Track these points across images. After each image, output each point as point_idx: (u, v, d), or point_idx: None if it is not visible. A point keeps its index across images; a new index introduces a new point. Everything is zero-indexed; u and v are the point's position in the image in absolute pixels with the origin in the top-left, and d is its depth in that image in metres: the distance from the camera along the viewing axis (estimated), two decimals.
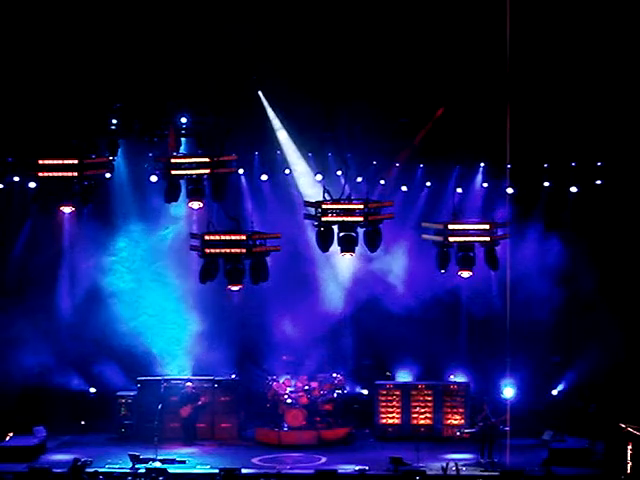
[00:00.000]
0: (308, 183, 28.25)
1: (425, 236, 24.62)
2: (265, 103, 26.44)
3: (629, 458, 23.10)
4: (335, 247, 23.78)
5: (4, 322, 27.56)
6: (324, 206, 23.51)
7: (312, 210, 23.77)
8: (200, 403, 27.78)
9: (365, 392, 29.12)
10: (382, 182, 27.67)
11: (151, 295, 29.13)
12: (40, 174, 23.90)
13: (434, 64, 24.22)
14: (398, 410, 27.96)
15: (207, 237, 23.47)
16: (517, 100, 23.72)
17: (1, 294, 28.02)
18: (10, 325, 27.62)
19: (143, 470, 22.97)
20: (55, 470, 22.50)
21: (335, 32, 23.78)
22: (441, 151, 26.84)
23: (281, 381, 28.10)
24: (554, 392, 28.37)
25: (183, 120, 26.02)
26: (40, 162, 23.79)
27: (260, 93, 26.26)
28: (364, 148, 26.66)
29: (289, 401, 27.63)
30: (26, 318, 27.58)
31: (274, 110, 26.76)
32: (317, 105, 25.08)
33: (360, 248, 24.02)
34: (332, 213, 23.46)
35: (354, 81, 24.46)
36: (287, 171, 28.63)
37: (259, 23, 23.61)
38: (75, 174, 23.75)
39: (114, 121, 25.42)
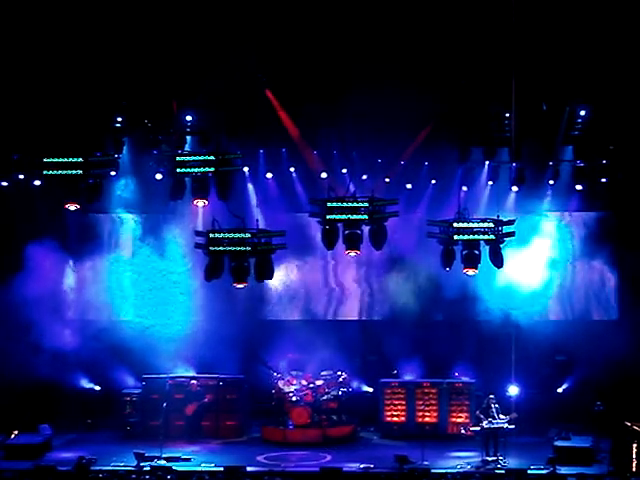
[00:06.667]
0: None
1: (430, 234, 24.57)
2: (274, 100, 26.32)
3: (634, 456, 23.07)
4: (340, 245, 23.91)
5: (8, 319, 27.53)
6: (329, 204, 23.52)
7: (317, 208, 23.80)
8: (205, 401, 27.79)
9: (370, 390, 29.08)
10: (387, 180, 27.58)
11: (157, 292, 29.16)
12: (45, 172, 23.99)
13: (441, 59, 24.17)
14: (403, 408, 27.92)
15: (212, 235, 23.53)
16: (523, 95, 23.74)
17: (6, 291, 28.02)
18: (15, 322, 27.61)
19: (148, 468, 22.99)
20: (60, 468, 22.47)
21: (339, 27, 23.75)
22: (446, 149, 26.77)
23: (286, 379, 28.07)
24: (559, 390, 28.32)
25: (188, 118, 26.09)
26: (45, 160, 23.87)
27: (268, 91, 26.16)
28: (369, 146, 26.63)
29: (294, 399, 27.59)
30: (31, 315, 27.55)
31: (284, 107, 26.58)
32: (323, 102, 25.05)
33: (365, 246, 24.07)
34: (337, 211, 23.50)
35: (360, 77, 24.41)
36: (292, 169, 28.56)
37: (263, 19, 23.61)
38: (80, 172, 23.84)
39: (119, 119, 25.53)
